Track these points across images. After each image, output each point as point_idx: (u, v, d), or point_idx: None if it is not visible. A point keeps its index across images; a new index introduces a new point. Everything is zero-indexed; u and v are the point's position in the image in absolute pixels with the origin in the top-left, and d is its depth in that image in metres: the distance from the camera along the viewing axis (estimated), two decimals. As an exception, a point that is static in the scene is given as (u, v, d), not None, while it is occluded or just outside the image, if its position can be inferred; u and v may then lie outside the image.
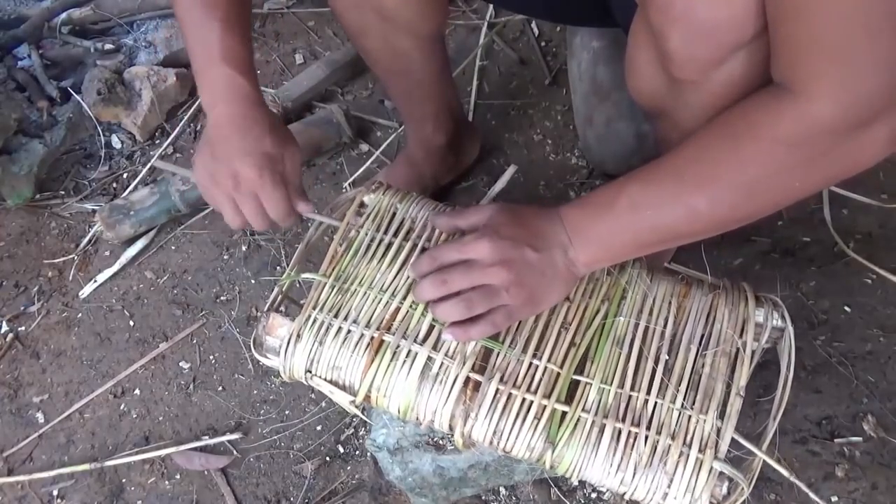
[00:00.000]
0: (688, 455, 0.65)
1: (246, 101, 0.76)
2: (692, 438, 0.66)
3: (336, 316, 0.73)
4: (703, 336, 0.72)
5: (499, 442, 0.68)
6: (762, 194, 0.62)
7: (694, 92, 0.67)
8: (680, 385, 0.68)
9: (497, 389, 0.68)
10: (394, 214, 0.80)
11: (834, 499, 0.97)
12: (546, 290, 0.69)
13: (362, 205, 0.82)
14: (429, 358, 0.70)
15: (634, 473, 0.65)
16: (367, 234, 0.78)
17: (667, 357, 0.70)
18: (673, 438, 0.66)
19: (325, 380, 0.73)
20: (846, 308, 1.11)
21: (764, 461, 0.67)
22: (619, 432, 0.66)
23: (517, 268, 0.67)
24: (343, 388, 0.72)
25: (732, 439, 0.66)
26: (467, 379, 0.69)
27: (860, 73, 0.53)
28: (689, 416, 0.67)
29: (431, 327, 0.71)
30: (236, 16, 0.77)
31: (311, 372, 0.73)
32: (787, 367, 0.70)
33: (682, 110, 0.71)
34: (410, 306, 0.72)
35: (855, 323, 1.10)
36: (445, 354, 0.70)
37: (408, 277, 0.74)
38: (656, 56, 0.68)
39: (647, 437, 0.66)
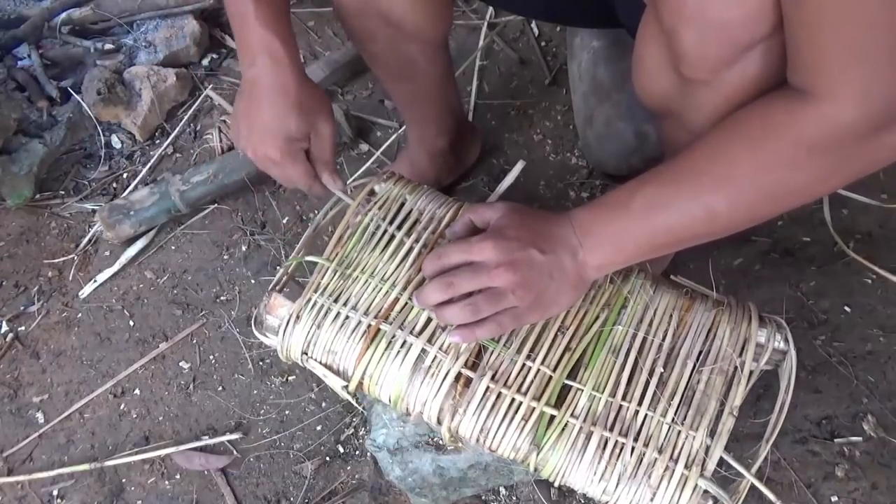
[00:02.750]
0: (673, 470, 0.64)
1: (278, 65, 0.75)
2: (679, 454, 0.65)
3: (336, 301, 0.73)
4: (701, 352, 0.71)
5: (485, 440, 0.68)
6: (780, 196, 0.62)
7: (705, 92, 0.67)
8: (672, 399, 0.68)
9: (487, 387, 0.68)
10: (402, 205, 0.80)
11: (834, 499, 0.97)
12: (554, 293, 0.69)
13: (372, 192, 0.82)
14: (423, 350, 0.70)
15: (618, 483, 0.65)
16: (373, 222, 0.78)
17: (662, 370, 0.70)
18: (660, 452, 0.65)
19: (320, 363, 0.73)
20: (846, 308, 1.11)
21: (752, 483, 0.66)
22: (606, 441, 0.66)
23: (523, 269, 0.66)
24: (337, 372, 0.73)
25: (721, 458, 0.65)
26: (459, 374, 0.69)
27: (884, 76, 0.53)
28: (679, 432, 0.66)
29: (429, 320, 0.71)
30: None
31: (307, 354, 0.73)
32: (786, 391, 0.69)
33: (691, 111, 0.71)
34: (410, 298, 0.73)
35: (855, 323, 1.10)
36: (440, 349, 0.70)
37: (409, 269, 0.74)
38: (667, 55, 0.67)
39: (633, 449, 0.65)
